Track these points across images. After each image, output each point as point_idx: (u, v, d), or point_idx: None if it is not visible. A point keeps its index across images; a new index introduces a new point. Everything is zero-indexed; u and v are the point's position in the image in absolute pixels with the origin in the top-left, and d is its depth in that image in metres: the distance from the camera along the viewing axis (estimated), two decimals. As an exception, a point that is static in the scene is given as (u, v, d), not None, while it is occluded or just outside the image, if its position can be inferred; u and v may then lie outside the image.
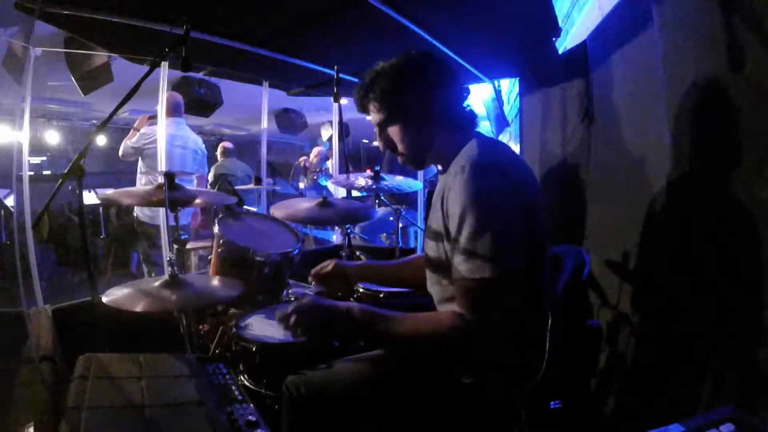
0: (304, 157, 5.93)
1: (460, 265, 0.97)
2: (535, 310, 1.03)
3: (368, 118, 1.21)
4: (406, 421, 1.08)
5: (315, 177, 5.54)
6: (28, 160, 2.59)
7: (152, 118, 3.40)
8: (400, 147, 1.17)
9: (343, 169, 3.86)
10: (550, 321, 1.01)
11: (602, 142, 1.99)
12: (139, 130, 3.34)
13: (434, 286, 1.16)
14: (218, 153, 5.18)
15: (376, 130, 1.19)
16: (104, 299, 1.26)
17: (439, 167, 1.21)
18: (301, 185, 5.60)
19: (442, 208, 1.05)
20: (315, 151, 5.81)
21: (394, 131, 1.15)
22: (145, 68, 1.42)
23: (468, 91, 1.18)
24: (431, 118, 1.12)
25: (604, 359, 1.65)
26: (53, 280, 4.39)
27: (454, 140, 1.12)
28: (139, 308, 1.22)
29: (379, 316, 1.03)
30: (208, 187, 4.08)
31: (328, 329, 1.07)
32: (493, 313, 0.95)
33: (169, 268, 1.38)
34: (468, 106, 1.18)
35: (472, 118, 1.17)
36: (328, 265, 1.44)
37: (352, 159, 6.19)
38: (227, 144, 5.20)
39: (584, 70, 2.15)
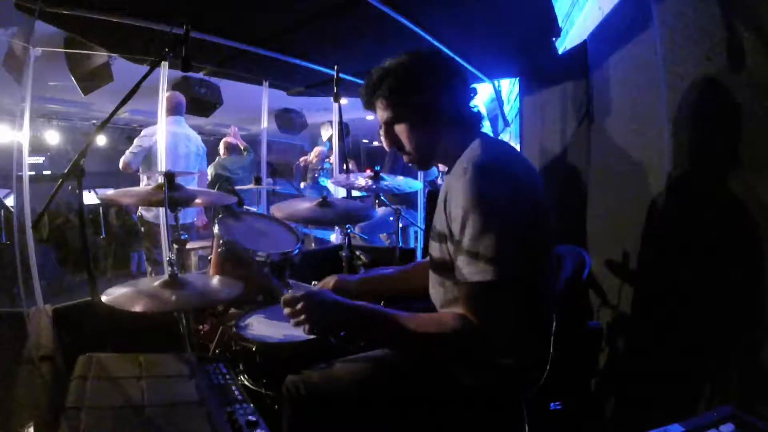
0: (304, 158, 5.93)
1: (464, 267, 0.97)
2: (538, 312, 1.02)
3: (369, 118, 1.21)
4: (406, 422, 1.07)
5: (316, 175, 5.54)
6: (28, 161, 2.60)
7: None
8: (407, 146, 1.15)
9: (343, 168, 3.86)
10: (554, 323, 1.01)
11: (602, 142, 1.99)
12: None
13: (437, 287, 1.16)
14: (221, 149, 5.08)
15: (382, 128, 1.17)
16: (104, 299, 1.25)
17: (444, 168, 1.21)
18: (302, 185, 5.56)
19: (445, 209, 1.04)
20: (315, 150, 5.81)
21: (401, 130, 1.14)
22: (145, 68, 1.42)
23: (475, 92, 1.18)
24: (439, 118, 1.11)
25: (604, 359, 1.65)
26: (53, 280, 4.39)
27: (460, 140, 1.11)
28: (138, 308, 1.22)
29: (383, 314, 1.03)
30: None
31: (331, 322, 1.06)
32: (496, 315, 0.94)
33: (169, 268, 1.38)
34: (475, 106, 1.18)
35: (478, 118, 1.17)
36: (330, 281, 1.44)
37: (353, 158, 6.17)
38: (231, 140, 5.10)
39: (584, 70, 2.15)
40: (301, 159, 5.98)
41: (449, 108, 1.11)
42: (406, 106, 1.11)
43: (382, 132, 1.18)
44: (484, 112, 4.28)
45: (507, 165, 1.03)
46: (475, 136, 1.12)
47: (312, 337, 1.30)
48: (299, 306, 1.03)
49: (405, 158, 1.19)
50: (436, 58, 1.14)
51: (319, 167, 5.62)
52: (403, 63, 1.12)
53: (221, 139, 5.13)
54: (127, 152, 3.25)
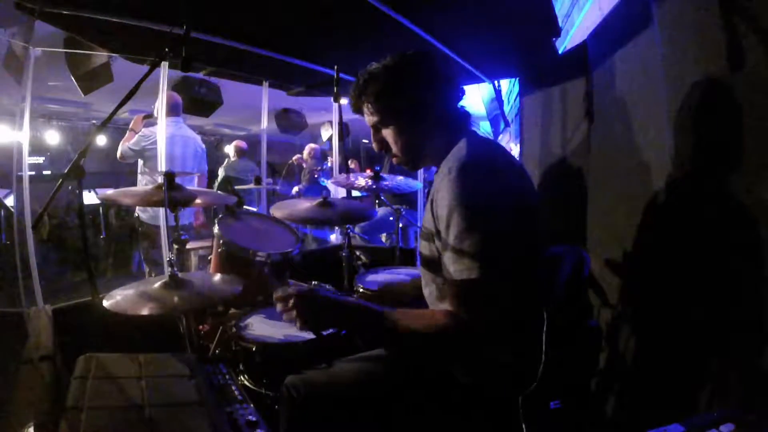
0: (298, 156, 5.85)
1: (450, 265, 0.97)
2: (528, 310, 1.03)
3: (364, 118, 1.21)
4: (406, 422, 1.08)
5: (316, 176, 5.49)
6: (28, 161, 2.60)
7: (147, 117, 3.39)
8: (394, 148, 1.17)
9: (343, 168, 3.86)
10: (545, 321, 1.01)
11: (602, 142, 1.99)
12: (135, 131, 3.33)
13: (429, 284, 1.16)
14: (231, 152, 5.16)
15: (371, 131, 1.20)
16: (105, 303, 1.25)
17: (435, 168, 1.21)
18: (295, 189, 5.20)
19: (432, 209, 1.05)
20: (308, 148, 5.73)
21: (388, 133, 1.16)
22: (145, 68, 1.42)
23: (463, 92, 1.18)
24: (424, 119, 1.12)
25: (604, 359, 1.65)
26: (53, 280, 4.39)
27: (447, 141, 1.12)
28: (140, 312, 1.22)
29: (374, 310, 1.02)
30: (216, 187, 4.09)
31: (323, 318, 1.07)
32: (483, 313, 0.95)
33: (169, 269, 1.38)
34: (462, 106, 1.18)
35: (465, 117, 1.17)
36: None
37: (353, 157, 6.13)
38: (241, 144, 5.18)
39: (584, 70, 2.15)
40: (294, 158, 5.86)
41: (435, 109, 1.12)
42: (391, 109, 1.13)
43: (372, 134, 1.20)
44: (483, 112, 4.23)
45: (490, 163, 1.03)
46: (463, 135, 1.11)
47: (312, 337, 1.31)
48: (291, 302, 1.03)
49: (393, 160, 1.21)
50: (420, 60, 1.14)
51: (318, 168, 5.57)
52: (385, 66, 1.13)
53: (221, 139, 5.16)
54: (127, 146, 3.27)
